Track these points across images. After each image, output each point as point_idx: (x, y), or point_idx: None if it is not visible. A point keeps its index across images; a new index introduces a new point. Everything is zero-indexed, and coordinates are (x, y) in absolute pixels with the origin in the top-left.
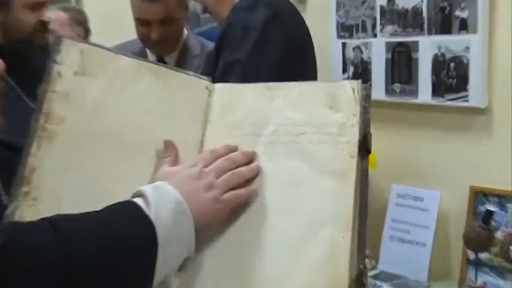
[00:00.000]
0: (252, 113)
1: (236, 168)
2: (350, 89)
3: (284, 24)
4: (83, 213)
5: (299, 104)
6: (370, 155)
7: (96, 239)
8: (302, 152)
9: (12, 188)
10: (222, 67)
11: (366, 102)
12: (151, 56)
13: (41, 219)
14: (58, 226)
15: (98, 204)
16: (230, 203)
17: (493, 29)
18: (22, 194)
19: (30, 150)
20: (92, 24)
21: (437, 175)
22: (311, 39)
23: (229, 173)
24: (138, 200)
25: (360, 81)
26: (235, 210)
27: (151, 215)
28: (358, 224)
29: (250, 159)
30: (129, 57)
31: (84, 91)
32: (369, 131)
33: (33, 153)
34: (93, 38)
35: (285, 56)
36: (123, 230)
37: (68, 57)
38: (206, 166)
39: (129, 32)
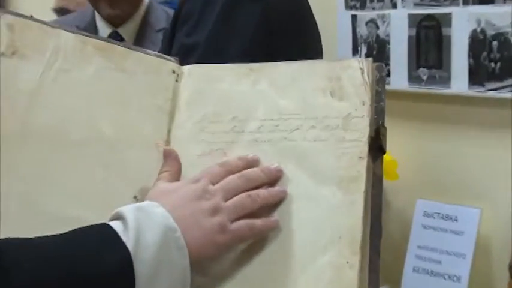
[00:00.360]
0: (231, 102)
1: (253, 188)
2: (358, 69)
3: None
4: (38, 238)
5: (291, 89)
6: (386, 159)
7: (54, 274)
8: (295, 153)
9: None
10: (177, 51)
11: (379, 87)
12: (103, 31)
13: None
14: (4, 256)
15: (37, 219)
16: (240, 234)
17: None
18: None
19: None
20: None
21: (475, 188)
22: (309, 9)
23: (244, 194)
24: (115, 224)
25: (370, 59)
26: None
27: (129, 244)
28: (368, 246)
29: (273, 178)
30: (73, 32)
31: (15, 78)
32: (383, 124)
33: None
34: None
35: (261, 37)
36: (91, 262)
37: None
38: (213, 183)
39: None
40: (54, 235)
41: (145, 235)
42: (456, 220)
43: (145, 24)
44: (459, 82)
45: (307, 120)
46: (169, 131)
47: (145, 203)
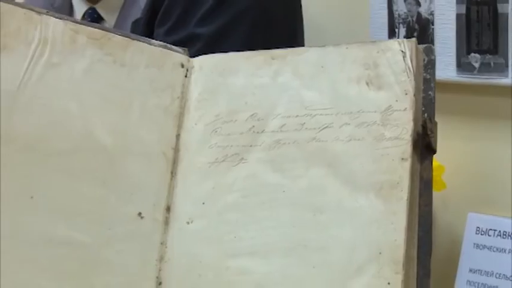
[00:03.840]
0: (247, 98)
1: None
2: (399, 52)
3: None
4: None
5: (319, 79)
6: (435, 164)
7: None
8: (326, 157)
9: None
10: None
11: (428, 73)
12: (78, 8)
13: None
14: None
15: (19, 244)
16: None
17: None
18: None
19: None
20: None
21: None
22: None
23: None
24: None
25: (414, 39)
26: None
27: None
28: (416, 263)
29: None
30: (61, 19)
31: None
32: (432, 118)
33: None
34: None
35: (257, 30)
36: None
37: None
38: None
39: None
40: None
41: None
42: (504, 235)
43: (130, 1)
44: None
45: (339, 116)
46: (177, 136)
47: None
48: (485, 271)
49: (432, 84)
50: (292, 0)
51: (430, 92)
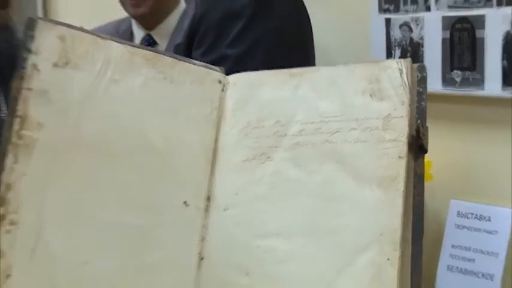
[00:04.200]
0: (273, 108)
1: None
2: (397, 70)
3: (275, 6)
4: None
5: (331, 92)
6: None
7: None
8: (337, 155)
9: None
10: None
11: (420, 87)
12: (137, 34)
13: None
14: None
15: (87, 228)
16: None
17: None
18: None
19: (4, 163)
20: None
21: (508, 189)
22: (308, 17)
23: None
24: None
25: (409, 59)
26: None
27: None
28: (412, 244)
29: None
30: (120, 43)
31: (67, 88)
32: (424, 123)
33: (8, 167)
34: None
35: (276, 52)
36: None
37: (46, 46)
38: None
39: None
40: None
41: None
42: (489, 220)
43: (178, 29)
44: (492, 84)
45: (347, 122)
46: (216, 139)
47: None
48: (464, 246)
49: (424, 96)
50: (304, 26)
51: (422, 103)
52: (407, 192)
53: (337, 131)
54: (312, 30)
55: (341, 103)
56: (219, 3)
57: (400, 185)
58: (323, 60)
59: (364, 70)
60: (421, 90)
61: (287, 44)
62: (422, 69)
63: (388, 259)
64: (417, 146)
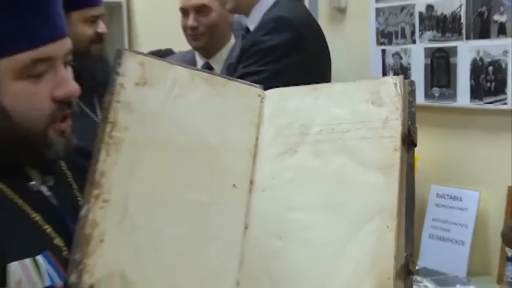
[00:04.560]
0: (299, 114)
1: None
2: (392, 84)
3: (305, 49)
4: None
5: (342, 101)
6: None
7: None
8: (347, 149)
9: (84, 191)
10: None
11: (411, 97)
12: (199, 62)
13: None
14: None
15: (162, 205)
16: None
17: None
18: (93, 197)
19: (99, 156)
20: (144, 37)
21: (476, 176)
22: (329, 55)
23: None
24: None
25: (401, 76)
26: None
27: None
28: (405, 215)
29: None
30: (184, 67)
31: (145, 100)
32: (414, 124)
33: (102, 159)
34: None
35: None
36: None
37: (129, 69)
38: None
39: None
40: None
41: None
42: (461, 200)
43: (229, 58)
44: (463, 97)
45: (355, 124)
46: (256, 138)
47: None
48: (441, 220)
49: (413, 104)
50: (324, 59)
51: (412, 108)
52: (402, 177)
53: (348, 131)
54: (330, 59)
55: (350, 109)
56: (261, 37)
57: (396, 171)
58: (335, 79)
59: (367, 84)
60: (411, 99)
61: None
62: (412, 83)
63: (387, 227)
64: (409, 141)
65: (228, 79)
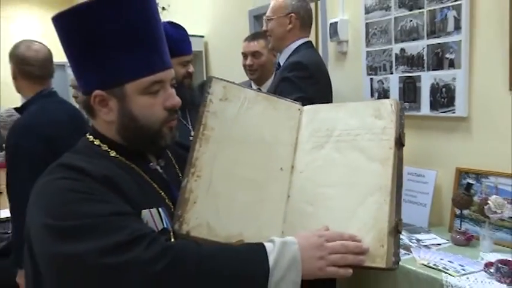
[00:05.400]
0: (325, 122)
1: (346, 253)
2: (389, 104)
3: (315, 82)
4: (225, 249)
5: (356, 115)
6: None
7: (226, 273)
8: (358, 147)
9: (184, 170)
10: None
11: (401, 113)
12: (254, 87)
13: (196, 244)
14: (203, 258)
15: (234, 179)
16: (328, 274)
17: (472, 65)
18: (190, 174)
19: (194, 147)
20: (216, 73)
21: (434, 161)
22: (331, 86)
23: (339, 255)
24: (268, 245)
25: (396, 99)
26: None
27: (272, 256)
28: (396, 192)
29: (360, 251)
30: (251, 89)
31: (225, 110)
32: (403, 131)
33: (196, 149)
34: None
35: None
36: (246, 266)
37: (216, 90)
38: (328, 241)
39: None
40: (231, 246)
41: (282, 259)
42: (424, 176)
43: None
44: (425, 109)
45: (364, 130)
46: (296, 138)
47: (289, 239)
48: (411, 190)
49: (403, 117)
50: (326, 91)
51: (402, 121)
52: (394, 166)
53: (358, 135)
54: (331, 88)
55: (360, 120)
56: (287, 73)
57: (390, 163)
58: (339, 99)
59: (372, 104)
60: (401, 114)
61: (317, 100)
62: (402, 104)
63: (384, 200)
64: (399, 143)
65: (280, 98)
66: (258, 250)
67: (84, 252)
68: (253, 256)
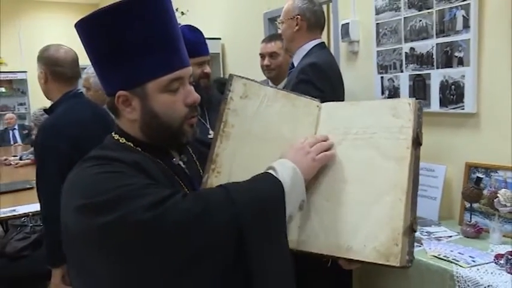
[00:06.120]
0: (343, 120)
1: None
2: (406, 103)
3: (328, 83)
4: (243, 182)
5: (372, 113)
6: None
7: (252, 195)
8: (375, 145)
9: (205, 167)
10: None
11: (419, 112)
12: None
13: (220, 185)
14: (230, 190)
15: (252, 175)
16: (322, 160)
17: (480, 63)
18: (211, 170)
19: (215, 144)
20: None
21: (444, 156)
22: (343, 85)
23: (318, 144)
24: (272, 171)
25: (414, 98)
26: (330, 178)
27: (280, 178)
28: (411, 191)
29: (330, 144)
30: (271, 87)
31: (246, 108)
32: (421, 130)
33: (217, 145)
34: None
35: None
36: (267, 190)
37: (236, 88)
38: (310, 145)
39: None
40: (248, 180)
41: (286, 174)
42: (434, 171)
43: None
44: (435, 105)
45: (380, 128)
46: (315, 133)
47: (282, 160)
48: (422, 184)
49: (421, 116)
50: (339, 89)
51: (420, 120)
52: (411, 166)
53: (375, 133)
54: (343, 87)
55: (377, 119)
56: (301, 75)
57: (407, 161)
58: (351, 97)
59: (389, 102)
60: (419, 113)
61: (329, 98)
62: (420, 103)
63: (400, 199)
64: (417, 142)
65: (298, 95)
66: (268, 176)
67: (122, 216)
68: (266, 179)
